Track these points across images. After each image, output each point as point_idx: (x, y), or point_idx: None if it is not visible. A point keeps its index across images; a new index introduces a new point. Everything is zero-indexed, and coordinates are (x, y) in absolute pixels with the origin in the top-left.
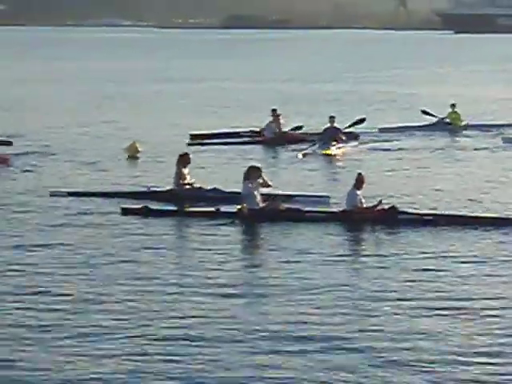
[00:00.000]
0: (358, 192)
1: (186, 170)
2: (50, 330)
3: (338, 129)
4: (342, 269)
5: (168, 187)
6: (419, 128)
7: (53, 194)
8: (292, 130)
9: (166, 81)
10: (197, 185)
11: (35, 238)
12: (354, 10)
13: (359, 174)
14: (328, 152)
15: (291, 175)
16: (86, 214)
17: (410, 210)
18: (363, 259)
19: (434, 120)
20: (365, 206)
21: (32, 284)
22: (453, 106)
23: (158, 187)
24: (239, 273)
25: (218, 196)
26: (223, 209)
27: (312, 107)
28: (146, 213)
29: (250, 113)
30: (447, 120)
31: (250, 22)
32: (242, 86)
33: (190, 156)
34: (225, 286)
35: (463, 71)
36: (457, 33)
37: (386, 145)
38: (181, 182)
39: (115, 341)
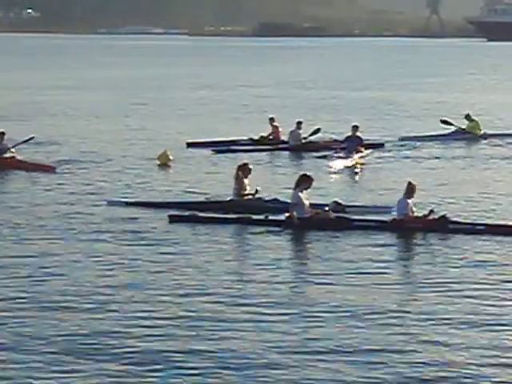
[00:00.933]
0: (409, 201)
1: (246, 181)
2: (109, 336)
3: (360, 138)
4: (391, 278)
5: (228, 197)
6: (439, 137)
7: (110, 204)
8: (311, 134)
9: (198, 88)
10: (257, 195)
11: (84, 245)
12: (387, 18)
13: (409, 182)
14: (351, 161)
15: (324, 184)
16: (138, 222)
17: (461, 220)
18: (413, 269)
19: (453, 129)
20: (415, 214)
21: (86, 290)
22: (468, 116)
23: (218, 197)
24: (286, 281)
25: (278, 206)
26: (272, 217)
27: (343, 114)
28: (193, 220)
29: (279, 119)
30: (466, 129)
31: (282, 29)
32: (274, 92)
33: (250, 166)
34: (273, 294)
35: (494, 79)
36: (490, 40)
37: (409, 153)
38: (241, 192)
39: (168, 352)
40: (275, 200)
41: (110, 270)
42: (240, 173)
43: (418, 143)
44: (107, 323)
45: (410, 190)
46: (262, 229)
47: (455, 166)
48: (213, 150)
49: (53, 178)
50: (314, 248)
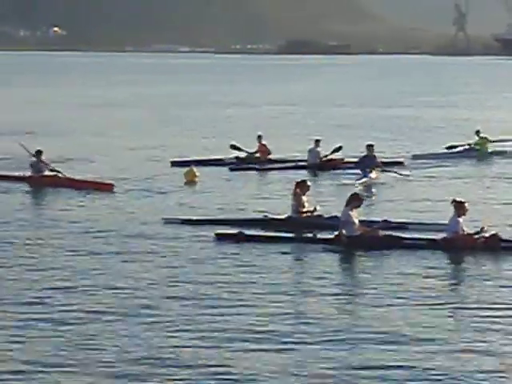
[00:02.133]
0: (460, 219)
1: (304, 198)
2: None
3: (375, 157)
4: (442, 298)
5: (286, 215)
6: (450, 155)
7: (167, 222)
8: (332, 152)
9: (225, 106)
10: (316, 212)
11: (138, 264)
12: (413, 35)
13: (460, 201)
14: (370, 180)
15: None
16: (193, 240)
17: None
18: (465, 289)
19: (462, 148)
20: (466, 232)
21: (135, 305)
22: (477, 132)
23: (275, 215)
24: (334, 301)
25: (337, 224)
26: (320, 235)
27: (367, 132)
28: (240, 238)
29: (302, 137)
30: (475, 147)
31: (308, 47)
32: (300, 110)
33: (309, 183)
34: (320, 313)
35: None
36: None
37: (427, 171)
38: (299, 209)
39: (212, 367)
40: (335, 217)
41: (162, 285)
42: (298, 190)
43: (431, 161)
44: (157, 335)
45: (461, 208)
46: (311, 247)
47: (475, 183)
48: (231, 169)
49: (111, 197)
50: (362, 267)
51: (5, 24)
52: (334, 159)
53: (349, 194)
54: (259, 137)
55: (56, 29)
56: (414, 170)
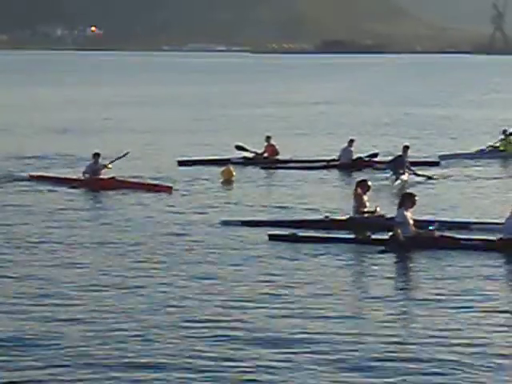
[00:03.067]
0: None
1: (365, 197)
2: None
3: (407, 159)
4: (499, 299)
5: (347, 215)
6: (476, 155)
7: (225, 223)
8: (367, 156)
9: (262, 105)
10: (379, 212)
11: (189, 264)
12: (450, 34)
13: None
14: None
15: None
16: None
17: None
18: None
19: (487, 149)
20: None
21: (189, 312)
22: (504, 131)
23: (336, 215)
24: (389, 301)
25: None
26: (377, 236)
27: (402, 131)
28: (293, 239)
29: (338, 136)
30: (501, 148)
31: (344, 46)
32: (337, 109)
33: (369, 183)
34: (375, 313)
35: None
36: None
37: (464, 170)
38: (361, 209)
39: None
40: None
41: (215, 286)
42: (359, 189)
43: (460, 161)
44: (212, 336)
45: None
46: (365, 248)
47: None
48: (262, 167)
49: (159, 198)
50: (418, 268)
51: (42, 23)
52: (367, 160)
53: (401, 195)
54: (268, 137)
55: (93, 28)
56: (444, 169)
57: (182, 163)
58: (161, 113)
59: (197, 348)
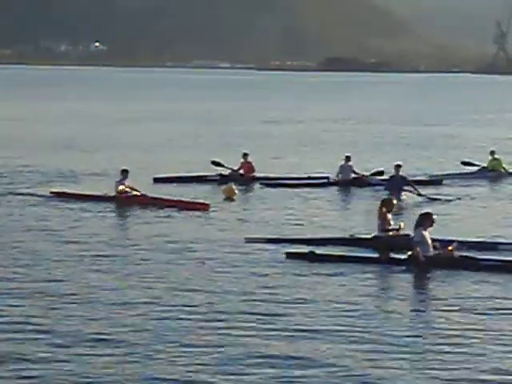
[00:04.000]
0: None
1: (389, 216)
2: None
3: (405, 178)
4: None
5: (372, 234)
6: (464, 175)
7: (249, 241)
8: (373, 174)
9: (265, 122)
10: (402, 231)
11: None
12: (453, 54)
13: None
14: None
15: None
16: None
17: None
18: None
19: (475, 169)
20: None
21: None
22: (492, 152)
23: (361, 234)
24: (409, 321)
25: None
26: (395, 255)
27: (404, 150)
28: (310, 258)
29: (338, 154)
30: (488, 167)
31: (348, 64)
32: (339, 127)
33: (394, 201)
34: (394, 335)
35: None
36: None
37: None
38: (385, 227)
39: None
40: None
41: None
42: (384, 208)
43: (449, 181)
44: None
45: None
46: (382, 267)
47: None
48: (261, 184)
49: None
50: (437, 289)
51: (46, 38)
52: (366, 176)
53: (419, 214)
54: (245, 154)
55: (97, 44)
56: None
57: (157, 180)
58: (160, 129)
59: (208, 363)
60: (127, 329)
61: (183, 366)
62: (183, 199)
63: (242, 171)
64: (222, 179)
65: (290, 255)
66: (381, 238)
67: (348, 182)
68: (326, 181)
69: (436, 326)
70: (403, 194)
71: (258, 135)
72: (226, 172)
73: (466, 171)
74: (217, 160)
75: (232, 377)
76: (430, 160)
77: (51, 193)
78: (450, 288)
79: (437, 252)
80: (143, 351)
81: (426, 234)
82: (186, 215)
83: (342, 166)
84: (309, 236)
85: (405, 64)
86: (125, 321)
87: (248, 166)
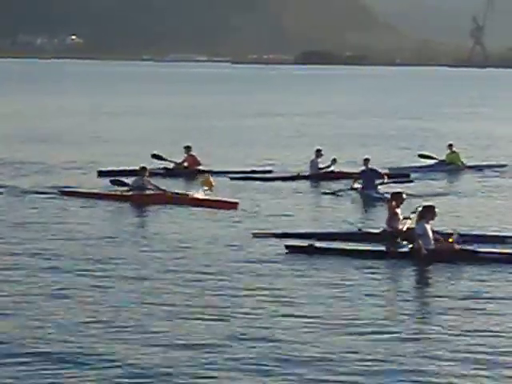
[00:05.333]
0: None
1: (399, 210)
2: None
3: (375, 170)
4: None
5: (380, 228)
6: (422, 169)
7: (256, 236)
8: (328, 166)
9: (243, 116)
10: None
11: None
12: (430, 47)
13: None
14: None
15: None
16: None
17: None
18: None
19: (433, 162)
20: None
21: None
22: (450, 146)
23: (369, 228)
24: (409, 313)
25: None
26: (398, 248)
27: (381, 143)
28: (310, 251)
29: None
30: (447, 161)
31: (324, 58)
32: (316, 121)
33: (404, 196)
34: (394, 326)
35: None
36: None
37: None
38: (394, 222)
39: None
40: (433, 231)
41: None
42: (393, 202)
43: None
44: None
45: None
46: (384, 260)
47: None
48: (231, 178)
49: (235, 215)
50: (439, 281)
51: (22, 32)
52: (336, 171)
53: (421, 207)
54: (187, 147)
55: (73, 37)
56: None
57: (101, 174)
58: (137, 123)
59: (211, 360)
60: (140, 328)
61: (188, 361)
62: (210, 197)
63: (186, 164)
64: (167, 172)
65: (289, 248)
66: (389, 232)
67: (316, 176)
68: (270, 175)
69: (439, 317)
70: (379, 187)
71: (234, 129)
72: (170, 165)
73: (423, 164)
74: (157, 153)
75: (237, 372)
76: (394, 153)
77: (61, 192)
78: (452, 280)
79: (438, 245)
80: (161, 345)
81: (428, 226)
82: (189, 211)
83: (311, 161)
84: (316, 230)
85: (381, 58)
86: (136, 318)
87: (192, 159)
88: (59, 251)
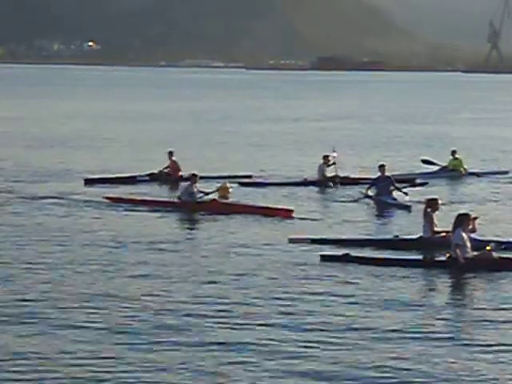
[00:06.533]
0: None
1: (435, 216)
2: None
3: (389, 177)
4: None
5: (418, 235)
6: (425, 175)
7: (293, 241)
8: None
9: (259, 121)
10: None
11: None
12: (447, 52)
13: None
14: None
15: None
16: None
17: None
18: None
19: (436, 168)
20: None
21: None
22: (453, 152)
23: (406, 235)
24: (447, 323)
25: (473, 244)
26: (436, 257)
27: (395, 149)
28: (346, 260)
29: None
30: (449, 167)
31: (341, 63)
32: (333, 126)
33: (439, 201)
34: (431, 336)
35: None
36: None
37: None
38: (431, 228)
39: None
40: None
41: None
42: (429, 208)
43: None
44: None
45: None
46: (421, 269)
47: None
48: (239, 183)
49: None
50: (477, 290)
51: (39, 37)
52: (344, 176)
53: (457, 215)
54: (170, 153)
55: (91, 43)
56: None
57: (88, 181)
58: (153, 128)
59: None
60: (195, 328)
61: (222, 359)
62: (263, 205)
63: (168, 170)
64: (152, 179)
65: (324, 257)
66: (426, 239)
67: (323, 182)
68: (250, 180)
69: (478, 328)
70: (394, 194)
71: (248, 134)
72: (156, 171)
73: (426, 171)
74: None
75: (273, 376)
76: (402, 158)
77: (106, 198)
78: (491, 290)
79: (476, 253)
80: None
81: (465, 235)
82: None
83: (320, 166)
84: (352, 236)
85: (397, 63)
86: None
87: (173, 165)
88: (108, 257)
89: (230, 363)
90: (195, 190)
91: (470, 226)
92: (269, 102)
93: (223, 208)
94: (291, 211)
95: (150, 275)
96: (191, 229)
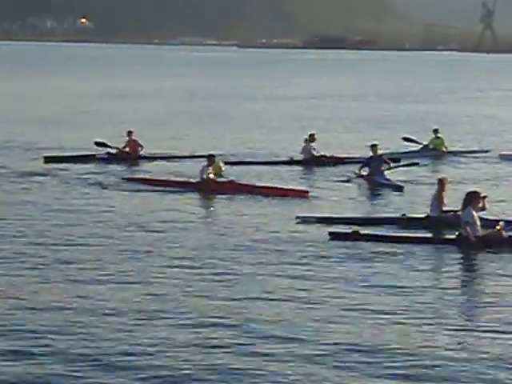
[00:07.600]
0: None
1: (443, 195)
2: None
3: (381, 156)
4: None
5: (425, 213)
6: (408, 154)
7: (301, 221)
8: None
9: (252, 98)
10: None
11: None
12: (440, 32)
13: None
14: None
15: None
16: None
17: None
18: None
19: (418, 147)
20: None
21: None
22: (435, 131)
23: (414, 213)
24: (456, 301)
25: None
26: (445, 235)
27: (387, 128)
28: (355, 237)
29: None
30: (430, 146)
31: (334, 42)
32: (325, 104)
33: (446, 180)
34: (441, 314)
35: None
36: None
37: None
38: (440, 207)
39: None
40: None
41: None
42: (440, 187)
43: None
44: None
45: None
46: (430, 247)
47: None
48: (225, 162)
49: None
50: (487, 269)
51: (31, 15)
52: (330, 156)
53: (467, 193)
54: (129, 132)
55: (83, 20)
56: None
57: (47, 159)
58: (148, 105)
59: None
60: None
61: (240, 338)
62: (279, 186)
63: (127, 149)
64: (111, 158)
65: (333, 235)
66: (434, 218)
67: (309, 161)
68: (263, 159)
69: (487, 306)
70: (385, 173)
71: (241, 112)
72: (114, 151)
73: (407, 150)
74: (100, 140)
75: (287, 353)
76: (390, 137)
77: (126, 179)
78: (501, 269)
79: (486, 232)
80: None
81: (475, 213)
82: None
83: (305, 145)
84: (360, 215)
85: (390, 42)
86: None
87: (134, 144)
88: (127, 240)
89: (241, 336)
90: (211, 170)
91: (480, 204)
92: (262, 80)
93: (240, 189)
94: (307, 192)
95: (164, 256)
96: (207, 208)
